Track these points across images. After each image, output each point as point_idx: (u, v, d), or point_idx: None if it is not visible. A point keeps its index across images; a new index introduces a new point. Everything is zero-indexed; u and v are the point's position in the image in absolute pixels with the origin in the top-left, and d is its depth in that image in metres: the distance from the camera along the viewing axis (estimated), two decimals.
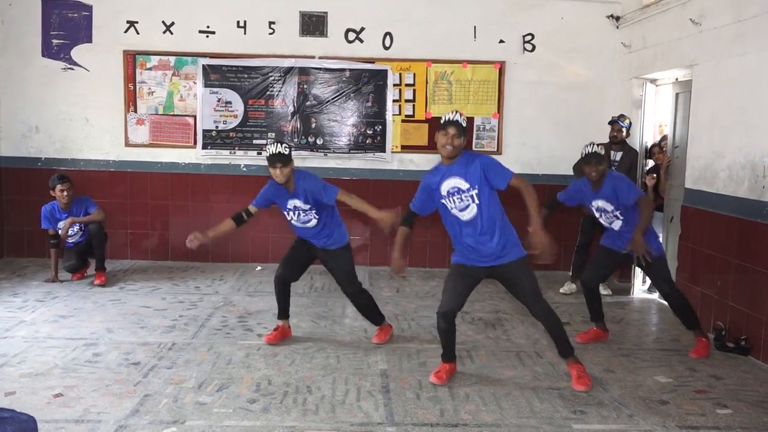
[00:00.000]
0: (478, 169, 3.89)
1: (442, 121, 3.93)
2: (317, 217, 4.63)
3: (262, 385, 4.02)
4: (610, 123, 6.49)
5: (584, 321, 5.64)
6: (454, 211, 3.97)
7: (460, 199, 3.92)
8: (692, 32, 5.66)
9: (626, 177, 4.94)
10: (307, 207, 4.58)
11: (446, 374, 4.16)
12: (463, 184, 3.91)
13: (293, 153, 7.12)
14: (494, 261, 4.01)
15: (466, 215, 3.94)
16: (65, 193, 6.17)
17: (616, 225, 4.79)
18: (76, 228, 6.31)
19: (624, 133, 6.46)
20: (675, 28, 5.97)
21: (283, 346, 4.76)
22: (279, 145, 4.51)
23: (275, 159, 4.47)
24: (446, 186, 3.95)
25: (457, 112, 3.96)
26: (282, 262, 4.85)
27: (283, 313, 4.90)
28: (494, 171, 3.90)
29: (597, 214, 4.89)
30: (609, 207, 4.75)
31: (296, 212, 4.62)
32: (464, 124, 3.92)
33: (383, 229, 4.44)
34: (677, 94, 6.35)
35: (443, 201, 3.99)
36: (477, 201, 3.90)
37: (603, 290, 6.63)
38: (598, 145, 4.75)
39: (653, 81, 6.80)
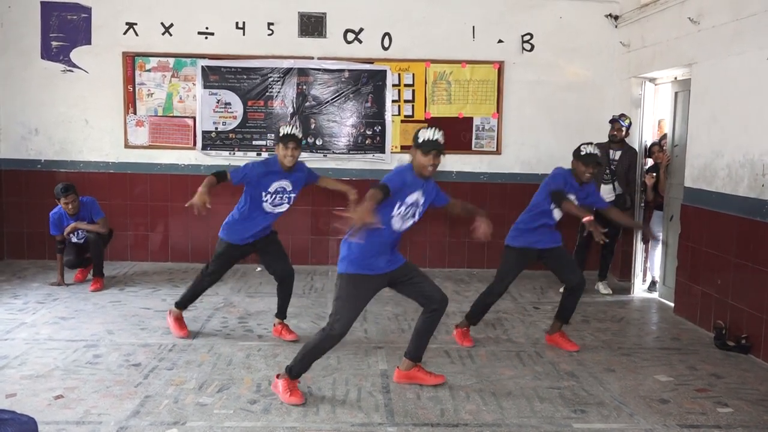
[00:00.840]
0: (433, 189, 3.96)
1: (423, 142, 3.72)
2: (289, 204, 4.75)
3: (263, 386, 4.02)
4: (611, 122, 6.49)
5: (584, 320, 5.65)
6: (396, 219, 3.78)
7: (412, 214, 3.87)
8: (691, 31, 5.66)
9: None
10: (290, 190, 4.68)
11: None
12: (421, 200, 3.88)
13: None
14: (393, 265, 3.90)
15: (404, 226, 3.85)
16: (70, 205, 6.14)
17: (557, 215, 4.76)
18: (80, 232, 6.32)
19: (624, 132, 6.47)
20: (673, 27, 5.98)
21: (284, 346, 4.76)
22: (294, 126, 4.69)
23: (290, 138, 4.52)
24: (412, 197, 3.80)
25: (437, 129, 3.77)
26: (216, 270, 4.94)
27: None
28: (439, 193, 4.04)
29: (556, 205, 4.71)
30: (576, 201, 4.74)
31: (276, 196, 4.66)
32: (443, 142, 3.79)
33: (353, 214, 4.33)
34: (676, 93, 6.35)
35: (397, 206, 3.76)
36: (417, 218, 3.93)
37: (603, 290, 6.64)
38: (596, 145, 4.72)
39: (652, 80, 6.80)
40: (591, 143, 4.79)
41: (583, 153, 4.65)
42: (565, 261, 4.87)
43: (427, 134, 3.76)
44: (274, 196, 4.66)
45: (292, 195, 4.73)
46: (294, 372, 3.82)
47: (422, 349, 4.15)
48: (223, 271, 4.98)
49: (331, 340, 3.76)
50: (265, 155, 7.35)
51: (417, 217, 3.92)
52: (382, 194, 3.60)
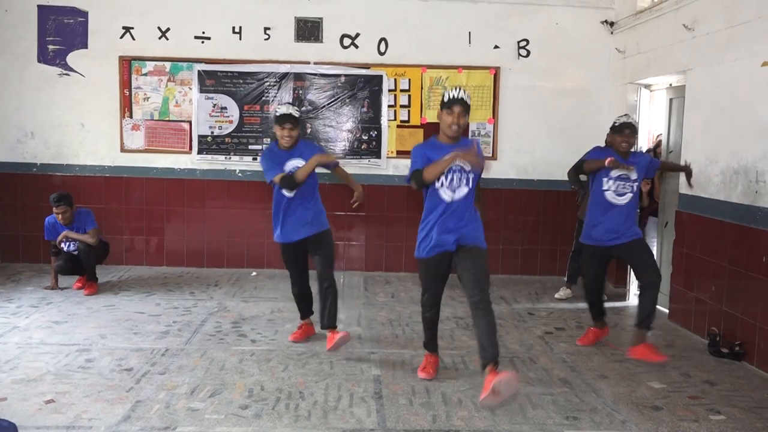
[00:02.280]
0: (479, 152, 3.86)
1: (446, 99, 3.85)
2: (311, 182, 4.69)
3: (255, 391, 4.01)
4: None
5: (579, 326, 5.64)
6: (443, 190, 3.91)
7: (459, 179, 3.89)
8: (685, 38, 5.68)
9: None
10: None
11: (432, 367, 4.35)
12: (466, 164, 3.86)
13: None
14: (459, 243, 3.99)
15: (456, 195, 3.91)
16: (60, 216, 6.11)
17: (628, 197, 4.70)
18: (71, 243, 6.29)
19: None
20: (668, 34, 5.99)
21: (277, 351, 4.75)
22: (290, 106, 4.62)
23: (285, 119, 4.52)
24: None
25: (460, 88, 3.88)
26: (292, 279, 4.97)
27: (306, 312, 5.09)
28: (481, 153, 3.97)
29: (611, 183, 4.70)
30: (634, 176, 4.69)
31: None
32: (469, 102, 3.88)
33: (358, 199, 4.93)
34: (671, 100, 6.37)
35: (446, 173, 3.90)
36: (470, 185, 3.93)
37: None
38: (633, 117, 4.84)
39: (647, 86, 6.82)
40: (627, 114, 4.87)
41: (616, 124, 4.72)
42: (644, 255, 4.74)
43: (452, 93, 3.84)
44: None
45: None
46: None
47: (489, 348, 3.76)
48: (295, 274, 4.93)
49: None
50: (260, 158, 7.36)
51: (470, 183, 3.91)
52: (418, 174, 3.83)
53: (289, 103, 5.12)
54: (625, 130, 4.63)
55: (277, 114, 4.59)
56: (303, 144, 4.75)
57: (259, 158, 4.80)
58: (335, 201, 7.45)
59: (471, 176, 3.92)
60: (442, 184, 3.91)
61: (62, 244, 6.26)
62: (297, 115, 4.59)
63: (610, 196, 4.74)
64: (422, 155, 3.91)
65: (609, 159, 4.57)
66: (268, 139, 7.33)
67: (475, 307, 3.82)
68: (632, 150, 4.83)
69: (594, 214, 4.82)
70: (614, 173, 4.70)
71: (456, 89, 3.85)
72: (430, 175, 3.81)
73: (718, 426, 3.71)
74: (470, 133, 7.44)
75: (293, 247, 4.79)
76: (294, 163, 4.61)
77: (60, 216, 6.13)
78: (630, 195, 4.72)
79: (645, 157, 4.91)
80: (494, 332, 3.79)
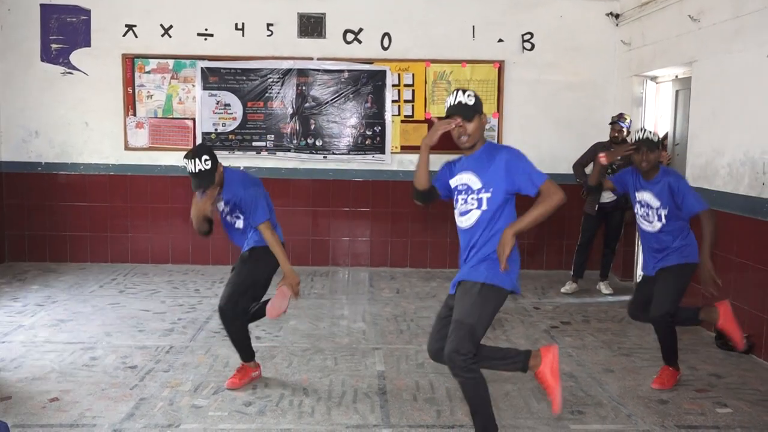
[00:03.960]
0: (501, 165, 3.05)
1: (446, 109, 3.15)
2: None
3: (259, 388, 4.00)
4: (611, 124, 6.43)
5: (585, 320, 5.61)
6: (457, 217, 3.20)
7: (465, 201, 3.13)
8: (691, 29, 5.62)
9: (687, 182, 4.05)
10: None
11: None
12: (475, 183, 3.10)
13: (293, 154, 7.13)
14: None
15: (464, 222, 3.14)
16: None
17: (656, 226, 4.02)
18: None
19: (625, 133, 6.41)
20: (674, 25, 5.93)
21: (281, 348, 4.74)
22: (198, 160, 3.75)
23: (193, 176, 3.81)
24: (457, 180, 3.19)
25: (458, 90, 3.12)
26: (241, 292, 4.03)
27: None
28: (520, 169, 3.03)
29: (637, 208, 4.14)
30: (656, 203, 3.99)
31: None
32: (472, 103, 3.08)
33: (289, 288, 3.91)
34: (677, 92, 6.31)
35: (455, 200, 3.24)
36: (484, 207, 3.07)
37: (605, 289, 6.59)
38: (651, 132, 4.04)
39: (653, 78, 6.76)
40: (644, 129, 4.11)
41: (634, 140, 4.05)
42: (658, 288, 4.06)
43: (450, 98, 3.13)
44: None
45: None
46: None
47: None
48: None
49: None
50: (264, 154, 7.36)
51: (485, 206, 3.07)
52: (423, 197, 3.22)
53: (195, 155, 3.83)
54: (642, 147, 3.92)
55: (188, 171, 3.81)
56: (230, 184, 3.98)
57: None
58: (340, 197, 7.45)
59: (486, 196, 3.07)
60: (455, 208, 3.21)
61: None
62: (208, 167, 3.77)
63: (639, 220, 4.16)
64: (446, 167, 3.28)
65: (601, 157, 4.08)
66: (272, 136, 7.33)
67: (449, 365, 3.03)
68: (660, 165, 4.04)
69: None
70: (638, 196, 4.10)
71: (454, 94, 3.12)
72: (414, 178, 3.21)
73: (724, 419, 3.68)
74: None
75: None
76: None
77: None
78: (658, 223, 4.01)
79: (676, 183, 3.95)
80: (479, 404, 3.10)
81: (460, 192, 3.15)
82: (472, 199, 3.09)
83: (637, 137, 4.03)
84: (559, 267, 7.44)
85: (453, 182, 3.20)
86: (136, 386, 3.98)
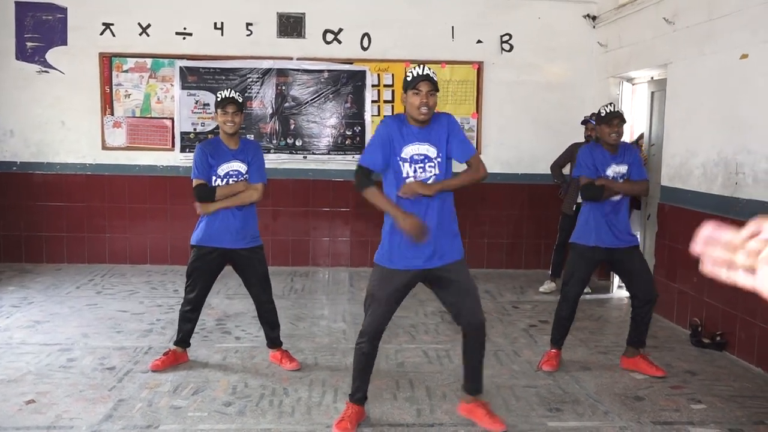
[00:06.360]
0: (444, 125, 3.28)
1: (410, 78, 3.20)
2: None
3: (239, 388, 3.99)
4: (582, 123, 6.49)
5: None
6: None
7: (423, 169, 3.26)
8: (666, 31, 5.71)
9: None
10: (244, 170, 4.16)
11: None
12: (432, 151, 3.26)
13: (273, 155, 7.10)
14: (431, 261, 3.34)
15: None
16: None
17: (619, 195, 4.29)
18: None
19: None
20: (649, 28, 6.02)
21: (261, 348, 4.73)
22: (233, 90, 4.12)
23: (228, 101, 4.00)
24: (411, 151, 3.27)
25: (424, 66, 3.25)
26: (194, 284, 4.27)
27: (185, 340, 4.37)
28: (460, 136, 3.31)
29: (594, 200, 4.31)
30: (625, 171, 4.26)
31: (228, 180, 4.15)
32: (436, 79, 3.23)
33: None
34: (653, 93, 6.41)
35: (400, 163, 3.27)
36: (439, 171, 3.28)
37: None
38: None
39: (630, 80, 6.86)
40: (611, 103, 4.42)
41: (602, 114, 4.27)
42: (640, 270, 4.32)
43: (416, 70, 3.21)
44: (224, 181, 4.16)
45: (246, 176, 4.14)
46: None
47: (472, 380, 3.57)
48: (197, 285, 4.31)
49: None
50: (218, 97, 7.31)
51: (441, 171, 3.27)
52: (365, 181, 3.25)
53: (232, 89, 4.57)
54: (614, 119, 4.19)
55: (218, 98, 4.07)
56: (247, 144, 4.26)
57: (196, 148, 4.20)
58: (319, 196, 7.45)
59: (439, 161, 3.30)
60: (404, 177, 3.31)
61: None
62: (241, 100, 4.11)
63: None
64: (379, 139, 3.30)
65: (599, 181, 4.21)
66: (251, 136, 7.29)
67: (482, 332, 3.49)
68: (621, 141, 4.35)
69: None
70: (610, 171, 4.28)
71: (420, 66, 3.22)
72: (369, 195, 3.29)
73: (699, 415, 3.75)
74: None
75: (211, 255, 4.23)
76: (232, 167, 4.14)
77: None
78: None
79: (635, 154, 4.38)
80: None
81: (416, 161, 3.28)
82: (430, 166, 3.28)
83: (608, 110, 4.25)
84: (538, 267, 7.51)
85: (405, 154, 3.27)
86: (114, 387, 3.95)
